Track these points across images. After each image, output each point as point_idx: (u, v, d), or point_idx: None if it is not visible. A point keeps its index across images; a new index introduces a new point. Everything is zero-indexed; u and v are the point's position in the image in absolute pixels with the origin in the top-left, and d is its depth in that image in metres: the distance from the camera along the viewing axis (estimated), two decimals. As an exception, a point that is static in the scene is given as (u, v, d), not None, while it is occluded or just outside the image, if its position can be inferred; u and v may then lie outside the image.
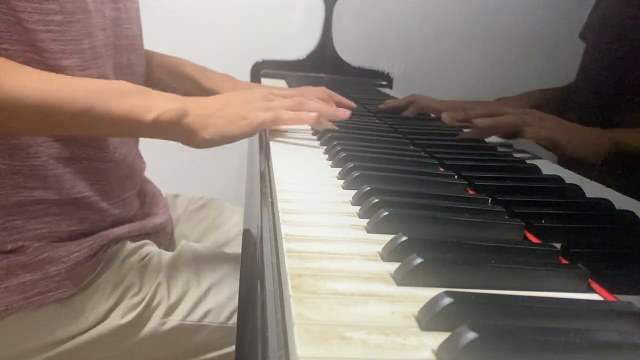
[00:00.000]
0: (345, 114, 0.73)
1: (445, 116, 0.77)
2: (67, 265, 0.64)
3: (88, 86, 0.58)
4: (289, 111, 0.67)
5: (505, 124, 0.70)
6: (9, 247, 0.62)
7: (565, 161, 0.53)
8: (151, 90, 0.62)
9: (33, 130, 0.59)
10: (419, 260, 0.34)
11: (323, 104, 0.73)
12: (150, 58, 0.86)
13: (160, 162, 0.95)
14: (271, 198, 0.50)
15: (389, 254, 0.37)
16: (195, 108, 0.62)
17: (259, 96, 0.68)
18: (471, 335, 0.25)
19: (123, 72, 0.74)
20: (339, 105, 0.83)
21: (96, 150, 0.68)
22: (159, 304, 0.69)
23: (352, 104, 0.89)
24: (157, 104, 0.60)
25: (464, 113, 0.75)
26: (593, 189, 0.47)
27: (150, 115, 0.59)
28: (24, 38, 0.58)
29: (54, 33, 0.60)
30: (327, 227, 0.41)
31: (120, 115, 0.58)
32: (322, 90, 0.87)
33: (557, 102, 0.56)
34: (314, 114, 0.69)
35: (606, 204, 0.45)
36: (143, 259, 0.73)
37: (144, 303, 0.68)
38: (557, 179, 0.53)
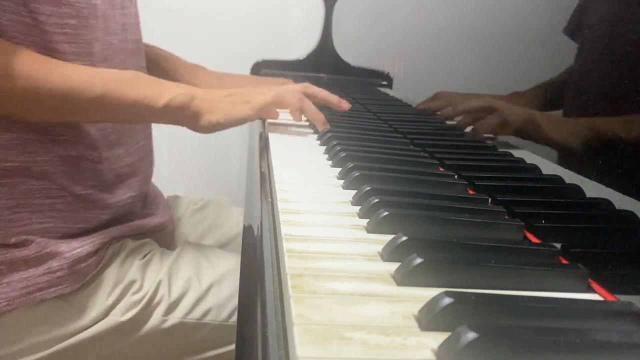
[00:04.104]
0: (347, 105, 0.80)
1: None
2: (69, 261, 0.64)
3: (105, 75, 0.63)
4: (292, 93, 0.73)
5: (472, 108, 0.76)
6: (12, 240, 0.62)
7: (566, 161, 0.53)
8: (162, 80, 0.67)
9: (57, 115, 0.63)
10: (419, 260, 0.34)
11: (327, 93, 0.79)
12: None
13: (161, 163, 0.95)
14: (271, 198, 0.50)
15: (389, 254, 0.37)
16: (203, 94, 0.68)
17: (265, 87, 0.75)
18: (471, 335, 0.25)
19: None
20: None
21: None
22: (160, 301, 0.69)
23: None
24: (168, 89, 0.65)
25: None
26: (593, 189, 0.47)
27: (161, 101, 0.64)
28: (39, 40, 0.61)
29: (69, 35, 0.63)
30: (327, 227, 0.41)
31: (134, 101, 0.63)
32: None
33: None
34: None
35: (606, 204, 0.45)
36: (144, 256, 0.73)
37: (144, 300, 0.68)
38: (557, 179, 0.53)
